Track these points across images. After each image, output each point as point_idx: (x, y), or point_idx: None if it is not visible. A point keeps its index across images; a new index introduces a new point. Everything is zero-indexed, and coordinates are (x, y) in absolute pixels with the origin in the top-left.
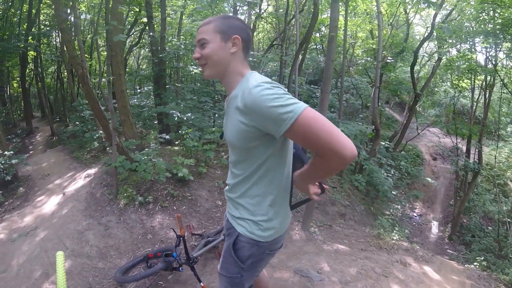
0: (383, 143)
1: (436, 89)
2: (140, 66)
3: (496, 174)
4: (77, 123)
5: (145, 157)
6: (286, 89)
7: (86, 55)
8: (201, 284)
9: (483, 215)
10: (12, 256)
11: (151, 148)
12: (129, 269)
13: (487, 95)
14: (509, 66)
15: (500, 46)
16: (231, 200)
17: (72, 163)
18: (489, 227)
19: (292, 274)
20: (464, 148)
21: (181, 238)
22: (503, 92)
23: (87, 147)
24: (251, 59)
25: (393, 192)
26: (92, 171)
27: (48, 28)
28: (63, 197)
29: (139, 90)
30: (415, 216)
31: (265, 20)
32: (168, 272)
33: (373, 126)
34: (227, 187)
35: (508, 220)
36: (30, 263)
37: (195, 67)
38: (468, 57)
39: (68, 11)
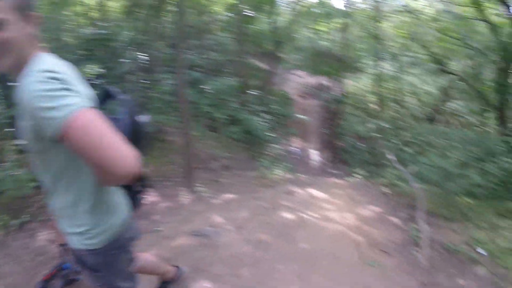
0: (253, 92)
1: (296, 35)
2: None
3: (359, 100)
4: None
5: (5, 173)
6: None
7: None
8: None
9: (354, 136)
10: None
11: (10, 161)
12: None
13: (344, 35)
14: (364, 7)
15: None
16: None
17: None
18: (361, 144)
19: (189, 238)
20: (328, 84)
21: (64, 246)
22: (360, 31)
23: None
24: (101, 31)
25: (270, 134)
26: None
27: None
28: None
29: None
30: (296, 150)
31: None
32: (71, 287)
33: (240, 78)
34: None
35: (375, 134)
36: None
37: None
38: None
39: None
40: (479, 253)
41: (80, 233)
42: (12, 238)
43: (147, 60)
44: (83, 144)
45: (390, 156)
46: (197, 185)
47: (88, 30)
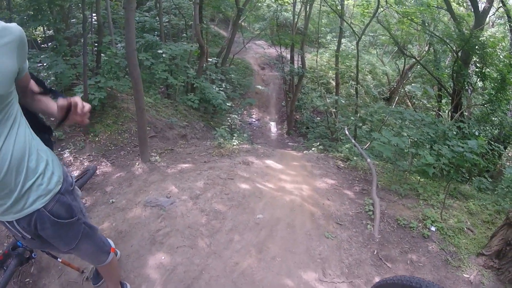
0: (211, 60)
1: (259, 4)
2: None
3: (319, 75)
4: None
5: None
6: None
7: None
8: (59, 260)
9: (312, 110)
10: None
11: None
12: None
13: (307, 8)
14: None
15: None
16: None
17: None
18: (318, 118)
19: (144, 208)
20: (289, 56)
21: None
22: (323, 6)
23: None
24: None
25: (228, 104)
26: None
27: None
28: None
29: None
30: (254, 121)
31: None
32: (28, 265)
33: (198, 44)
34: None
35: (333, 110)
36: None
37: None
38: None
39: None
40: (430, 230)
41: (39, 184)
42: None
43: (99, 21)
44: None
45: (346, 132)
46: (152, 154)
47: None
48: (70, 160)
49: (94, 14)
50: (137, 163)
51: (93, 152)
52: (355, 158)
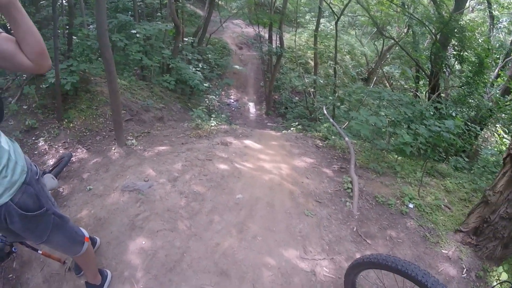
0: (187, 39)
1: None
2: None
3: (297, 55)
4: None
5: None
6: None
7: None
8: (39, 252)
9: (291, 90)
10: None
11: None
12: None
13: None
14: None
15: None
16: None
17: None
18: (297, 98)
19: (121, 193)
20: (267, 36)
21: None
22: None
23: None
24: None
25: (205, 84)
26: None
27: None
28: None
29: None
30: (232, 102)
31: None
32: (9, 260)
33: (173, 24)
34: None
35: (311, 90)
36: None
37: None
38: None
39: None
40: (408, 207)
41: (4, 176)
42: None
43: (69, 3)
44: None
45: (325, 111)
46: (128, 138)
47: None
48: (45, 148)
49: None
50: (113, 148)
51: (68, 139)
52: (333, 137)
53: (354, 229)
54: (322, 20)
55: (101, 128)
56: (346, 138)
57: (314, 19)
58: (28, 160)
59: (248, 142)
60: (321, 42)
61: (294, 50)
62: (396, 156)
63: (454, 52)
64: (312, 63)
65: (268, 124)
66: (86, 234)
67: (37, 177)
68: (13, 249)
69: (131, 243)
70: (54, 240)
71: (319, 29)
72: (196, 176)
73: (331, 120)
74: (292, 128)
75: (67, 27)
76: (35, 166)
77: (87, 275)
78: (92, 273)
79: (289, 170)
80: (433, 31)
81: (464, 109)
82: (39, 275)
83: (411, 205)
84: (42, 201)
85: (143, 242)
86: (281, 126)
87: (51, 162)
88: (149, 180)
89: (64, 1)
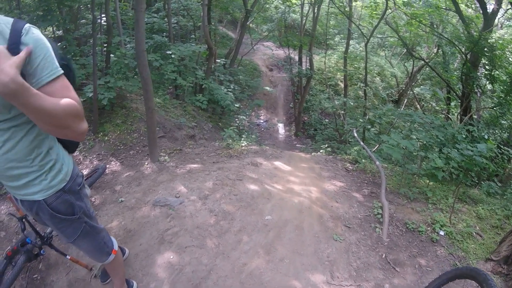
0: (220, 61)
1: (267, 5)
2: None
3: (327, 77)
4: None
5: None
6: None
7: None
8: (68, 257)
9: (320, 112)
10: None
11: None
12: (1, 279)
13: (315, 10)
14: None
15: None
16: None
17: None
18: (327, 120)
19: (152, 208)
20: (297, 58)
21: (23, 220)
22: (331, 7)
23: None
24: None
25: (236, 105)
26: None
27: None
28: None
29: None
30: (262, 122)
31: None
32: (36, 261)
33: (206, 45)
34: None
35: (342, 112)
36: None
37: None
38: None
39: None
40: (439, 234)
41: (43, 179)
42: None
43: (108, 22)
44: None
45: (355, 134)
46: (161, 154)
47: None
48: (80, 159)
49: (103, 15)
50: (146, 163)
51: (102, 151)
52: (363, 160)
53: (383, 256)
54: (351, 42)
55: (135, 143)
56: (377, 162)
57: (343, 41)
58: (76, 171)
59: (278, 163)
60: (351, 64)
61: (324, 72)
62: (428, 181)
63: (485, 72)
64: (342, 85)
65: (297, 145)
66: (116, 247)
67: (79, 188)
68: (41, 251)
69: (159, 257)
70: (81, 245)
71: (349, 50)
72: (226, 195)
73: (361, 143)
74: (321, 150)
75: (105, 45)
76: (82, 177)
77: (115, 282)
78: (120, 282)
79: (319, 193)
80: (463, 50)
81: (496, 131)
82: (64, 279)
83: (442, 233)
84: (75, 209)
85: (171, 257)
86: (310, 148)
87: (85, 172)
88: (180, 196)
89: (102, 21)
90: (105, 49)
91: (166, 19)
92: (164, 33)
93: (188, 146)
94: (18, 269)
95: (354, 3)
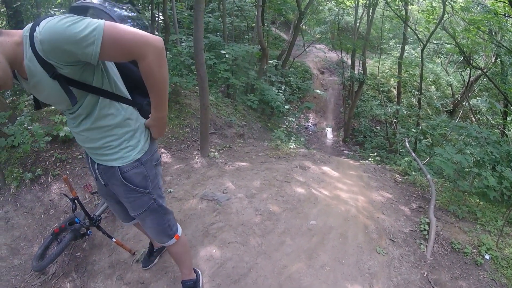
0: (272, 62)
1: (320, 7)
2: None
3: (380, 82)
4: None
5: (20, 127)
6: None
7: None
8: (113, 240)
9: (371, 118)
10: None
11: (23, 115)
12: (44, 253)
13: (370, 12)
14: None
15: None
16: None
17: None
18: (378, 128)
19: (200, 201)
20: (349, 61)
21: (75, 201)
22: (386, 10)
23: None
24: None
25: (286, 107)
26: None
27: None
28: None
29: None
30: (310, 126)
31: None
32: (81, 241)
33: (260, 46)
34: (78, 140)
35: (394, 120)
36: None
37: (58, 9)
38: None
39: None
40: (484, 258)
41: (124, 147)
42: (25, 190)
43: (164, 20)
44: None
45: (406, 144)
46: (211, 150)
47: None
48: None
49: (161, 14)
50: (196, 157)
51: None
52: (413, 173)
53: (425, 275)
54: (406, 47)
55: (187, 137)
56: (428, 176)
57: (398, 45)
58: (155, 147)
59: (326, 168)
60: (406, 71)
61: (377, 77)
62: (478, 200)
63: None
64: (395, 91)
65: (345, 151)
66: (180, 232)
67: (155, 163)
68: (88, 231)
69: (202, 249)
70: (145, 220)
71: (404, 56)
72: (273, 196)
73: (413, 154)
74: (370, 159)
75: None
76: (159, 155)
77: (182, 271)
78: (187, 270)
79: (366, 203)
80: None
81: None
82: (107, 259)
83: (487, 257)
84: (148, 183)
85: (214, 251)
86: (358, 155)
87: None
88: (227, 192)
89: (160, 20)
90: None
91: (220, 19)
92: (218, 33)
93: (238, 144)
94: (63, 246)
95: (410, 7)
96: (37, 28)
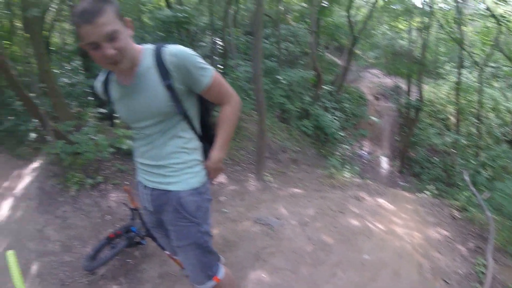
0: (326, 87)
1: (373, 31)
2: (65, 42)
3: (437, 109)
4: (10, 118)
5: (85, 136)
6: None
7: (6, 41)
8: (167, 252)
9: (428, 148)
10: None
11: (88, 126)
12: (96, 255)
13: (424, 35)
14: (445, 8)
15: None
16: (153, 166)
17: (16, 162)
18: (435, 158)
19: (253, 224)
20: (405, 87)
21: (135, 211)
22: (440, 33)
23: (24, 140)
24: (181, 14)
25: (340, 133)
26: (36, 164)
27: None
28: (15, 199)
29: (67, 68)
30: (365, 154)
31: None
32: (134, 248)
33: (314, 72)
34: (143, 158)
35: (453, 150)
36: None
37: None
38: None
39: None
40: None
41: (186, 173)
42: (85, 195)
43: (222, 46)
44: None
45: (465, 177)
46: (266, 174)
47: (166, 12)
48: None
49: (218, 39)
50: (251, 180)
51: None
52: (472, 208)
53: None
54: (463, 71)
55: (242, 160)
56: (488, 213)
57: (454, 69)
58: (209, 186)
59: (381, 200)
60: (463, 97)
61: (434, 103)
62: None
63: None
64: (453, 118)
65: (400, 182)
66: (221, 276)
67: (207, 197)
68: (142, 241)
69: (251, 272)
70: (188, 254)
71: (460, 81)
72: (326, 225)
73: (472, 188)
74: (427, 192)
75: (222, 66)
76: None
77: None
78: None
79: (421, 240)
80: None
81: None
82: (157, 269)
83: None
84: (199, 213)
85: (263, 275)
86: (414, 188)
87: None
88: (281, 218)
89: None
90: (221, 71)
91: (276, 45)
92: (273, 58)
93: (291, 170)
94: (117, 251)
95: (464, 28)
96: (166, 47)
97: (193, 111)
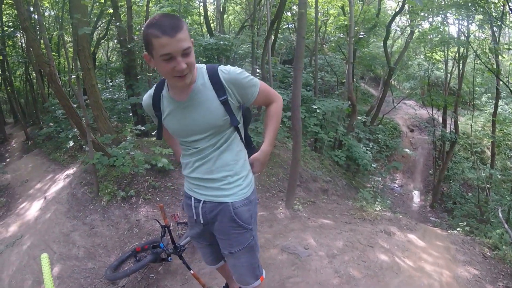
0: (360, 118)
1: (410, 62)
2: (110, 59)
3: (473, 142)
4: (51, 124)
5: (122, 151)
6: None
7: (53, 52)
8: (191, 271)
9: (462, 183)
10: (1, 268)
11: (127, 141)
12: (119, 266)
13: (460, 66)
14: (481, 37)
15: (472, 19)
16: (206, 180)
17: (50, 166)
18: (469, 194)
19: (280, 252)
20: (440, 119)
21: (166, 228)
22: (477, 63)
23: (63, 147)
24: (221, 42)
25: (373, 165)
26: (70, 171)
27: (12, 29)
28: (45, 201)
29: (110, 84)
30: (396, 187)
31: (234, 2)
32: (158, 264)
33: (349, 102)
34: (195, 172)
35: (487, 186)
36: (20, 272)
37: None
38: (441, 29)
39: (31, 9)
40: None
41: (238, 184)
42: (116, 206)
43: (260, 73)
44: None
45: (500, 214)
46: (295, 202)
47: (208, 40)
48: None
49: (256, 67)
50: (280, 208)
51: None
52: (504, 247)
53: None
54: (500, 102)
55: (272, 186)
56: None
57: (491, 101)
58: (255, 190)
59: (411, 236)
60: (500, 130)
61: (470, 136)
62: None
63: None
64: (489, 152)
65: (431, 218)
66: (264, 275)
67: (256, 201)
68: (168, 258)
69: None
70: (240, 258)
71: (497, 113)
72: (354, 259)
73: (505, 226)
74: (458, 229)
75: None
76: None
77: None
78: None
79: (450, 278)
80: None
81: None
82: (178, 286)
83: None
84: (252, 220)
85: None
86: (446, 224)
87: None
88: (309, 248)
89: (257, 74)
90: None
91: (312, 74)
92: (308, 87)
93: (321, 200)
94: (141, 265)
95: (500, 58)
96: (219, 66)
97: (241, 123)
